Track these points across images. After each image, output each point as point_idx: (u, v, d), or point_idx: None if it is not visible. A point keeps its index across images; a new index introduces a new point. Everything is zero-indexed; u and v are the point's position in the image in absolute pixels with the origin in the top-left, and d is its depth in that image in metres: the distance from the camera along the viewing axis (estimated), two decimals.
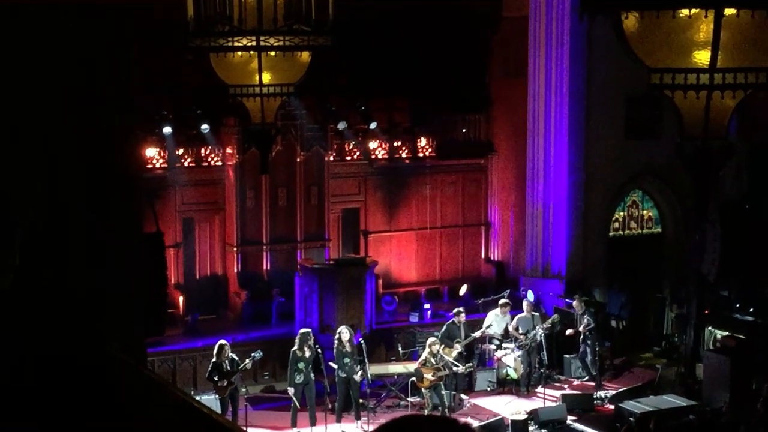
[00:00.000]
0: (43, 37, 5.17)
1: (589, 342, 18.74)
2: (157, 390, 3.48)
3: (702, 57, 7.43)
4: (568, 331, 18.90)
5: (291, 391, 16.22)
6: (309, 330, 16.92)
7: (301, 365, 16.18)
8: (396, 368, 18.14)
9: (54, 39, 5.19)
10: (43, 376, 3.07)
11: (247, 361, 16.15)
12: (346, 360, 16.57)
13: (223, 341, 16.28)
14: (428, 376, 16.70)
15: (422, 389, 16.93)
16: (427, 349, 16.88)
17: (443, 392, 16.85)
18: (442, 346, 17.36)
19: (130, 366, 3.65)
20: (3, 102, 5.11)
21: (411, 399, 17.31)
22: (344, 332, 16.75)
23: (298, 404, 16.16)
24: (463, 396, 17.89)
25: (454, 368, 17.07)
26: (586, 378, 18.97)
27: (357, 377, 16.55)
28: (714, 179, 8.28)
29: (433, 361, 16.74)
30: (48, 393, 3.00)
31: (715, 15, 7.25)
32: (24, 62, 5.12)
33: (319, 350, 16.48)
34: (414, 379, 17.00)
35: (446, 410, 16.68)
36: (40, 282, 4.71)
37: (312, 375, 16.29)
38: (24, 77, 5.15)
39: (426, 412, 16.65)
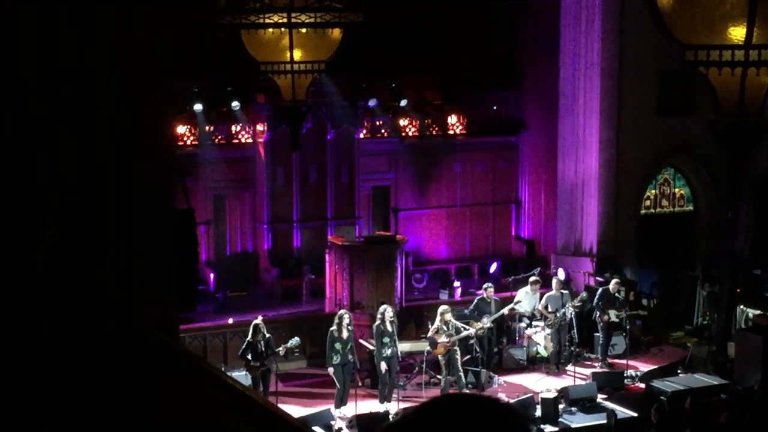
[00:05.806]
0: (75, 20, 5.17)
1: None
2: (195, 367, 3.50)
3: (737, 33, 7.34)
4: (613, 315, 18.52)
5: (331, 371, 16.14)
6: (347, 311, 16.82)
7: (338, 345, 16.08)
8: (426, 345, 18.12)
9: (87, 21, 5.19)
10: (80, 356, 3.09)
11: (283, 347, 16.10)
12: (386, 339, 16.42)
13: (257, 321, 16.19)
14: (442, 340, 16.65)
15: (439, 357, 16.85)
16: (439, 317, 16.85)
17: (460, 371, 16.73)
18: (467, 319, 17.31)
19: (170, 346, 3.68)
20: (35, 84, 5.13)
21: (440, 377, 17.31)
22: (389, 311, 16.57)
23: (339, 384, 16.01)
24: (492, 374, 17.89)
25: (464, 332, 16.91)
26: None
27: (388, 352, 16.45)
28: (748, 156, 8.20)
29: (445, 328, 16.72)
30: (84, 373, 3.02)
31: None
32: (56, 45, 5.14)
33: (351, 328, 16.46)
34: (429, 348, 16.91)
35: (462, 387, 16.65)
36: (73, 261, 4.74)
37: (350, 356, 16.16)
38: (56, 59, 5.16)
39: (442, 383, 16.67)
